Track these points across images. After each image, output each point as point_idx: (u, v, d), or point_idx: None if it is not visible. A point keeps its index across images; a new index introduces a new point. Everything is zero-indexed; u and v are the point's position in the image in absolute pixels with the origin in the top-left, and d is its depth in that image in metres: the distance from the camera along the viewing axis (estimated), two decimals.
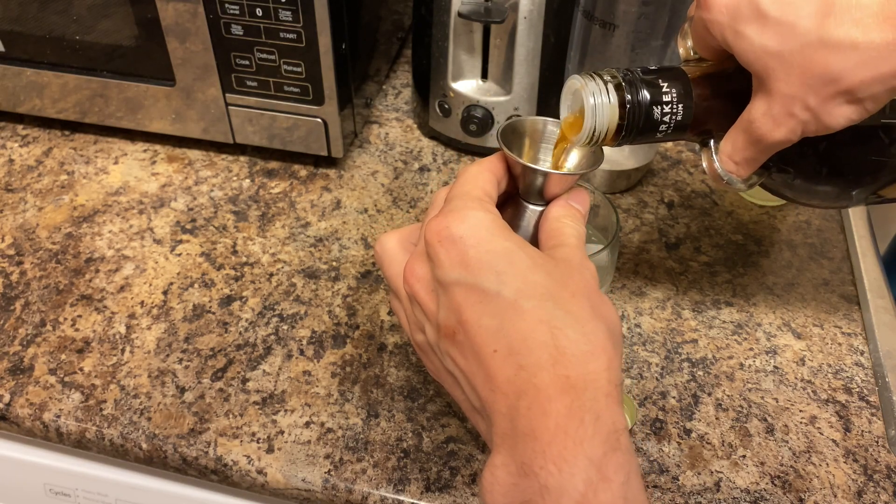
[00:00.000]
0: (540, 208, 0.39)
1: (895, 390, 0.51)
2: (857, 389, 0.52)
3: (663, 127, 0.37)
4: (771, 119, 0.35)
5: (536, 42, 0.62)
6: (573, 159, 0.40)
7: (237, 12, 0.57)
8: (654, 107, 0.36)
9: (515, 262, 0.34)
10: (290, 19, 0.56)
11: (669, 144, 0.71)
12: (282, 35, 0.58)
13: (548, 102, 0.66)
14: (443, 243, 0.34)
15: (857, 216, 0.64)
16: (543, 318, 0.32)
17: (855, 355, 0.54)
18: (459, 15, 0.61)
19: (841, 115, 0.34)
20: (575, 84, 0.37)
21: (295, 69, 0.60)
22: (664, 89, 0.37)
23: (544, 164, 0.40)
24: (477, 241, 0.34)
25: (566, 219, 0.38)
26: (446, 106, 0.67)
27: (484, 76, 0.66)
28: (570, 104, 0.38)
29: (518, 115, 0.65)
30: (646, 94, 0.36)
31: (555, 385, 0.31)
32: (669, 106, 0.37)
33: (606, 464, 0.30)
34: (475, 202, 0.36)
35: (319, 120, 0.63)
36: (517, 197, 0.40)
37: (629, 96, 0.36)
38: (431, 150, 0.71)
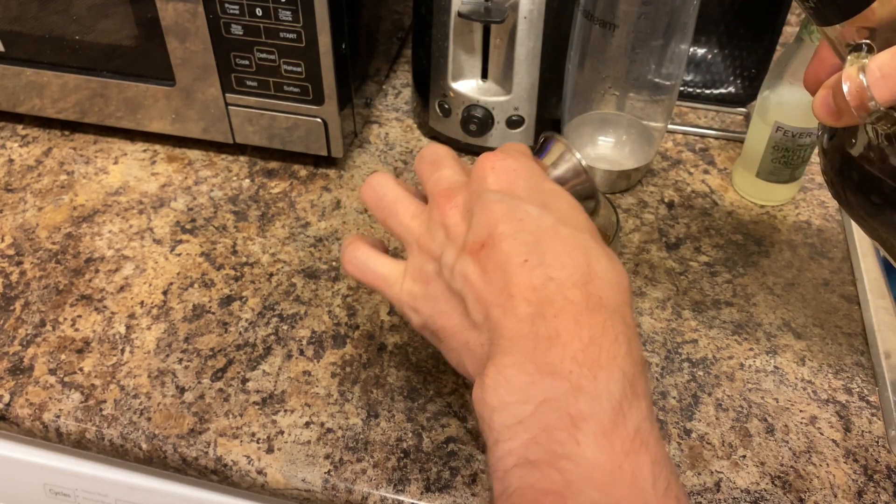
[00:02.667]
0: None
1: (895, 390, 0.51)
2: (858, 389, 0.52)
3: None
4: None
5: (536, 42, 0.62)
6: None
7: (237, 12, 0.57)
8: None
9: (561, 199, 0.37)
10: (290, 19, 0.56)
11: (669, 144, 0.71)
12: (282, 35, 0.58)
13: (548, 102, 0.66)
14: (496, 170, 0.37)
15: None
16: (580, 245, 0.34)
17: (855, 355, 0.54)
18: (459, 15, 0.61)
19: None
20: None
21: (295, 69, 0.60)
22: None
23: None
24: (528, 176, 0.37)
25: None
26: (446, 106, 0.67)
27: (484, 76, 0.66)
28: None
29: (518, 115, 0.65)
30: None
31: (588, 302, 0.32)
32: None
33: (637, 383, 0.31)
34: (528, 152, 0.41)
35: (319, 120, 0.63)
36: None
37: None
38: None
